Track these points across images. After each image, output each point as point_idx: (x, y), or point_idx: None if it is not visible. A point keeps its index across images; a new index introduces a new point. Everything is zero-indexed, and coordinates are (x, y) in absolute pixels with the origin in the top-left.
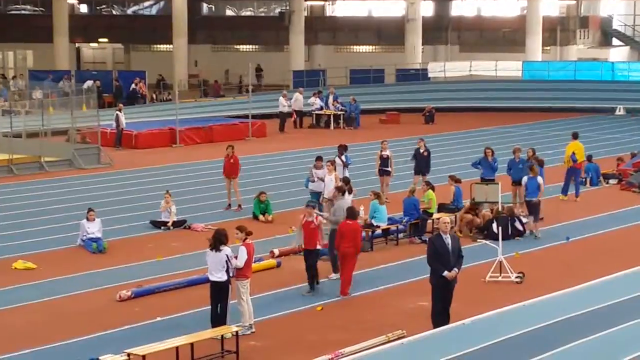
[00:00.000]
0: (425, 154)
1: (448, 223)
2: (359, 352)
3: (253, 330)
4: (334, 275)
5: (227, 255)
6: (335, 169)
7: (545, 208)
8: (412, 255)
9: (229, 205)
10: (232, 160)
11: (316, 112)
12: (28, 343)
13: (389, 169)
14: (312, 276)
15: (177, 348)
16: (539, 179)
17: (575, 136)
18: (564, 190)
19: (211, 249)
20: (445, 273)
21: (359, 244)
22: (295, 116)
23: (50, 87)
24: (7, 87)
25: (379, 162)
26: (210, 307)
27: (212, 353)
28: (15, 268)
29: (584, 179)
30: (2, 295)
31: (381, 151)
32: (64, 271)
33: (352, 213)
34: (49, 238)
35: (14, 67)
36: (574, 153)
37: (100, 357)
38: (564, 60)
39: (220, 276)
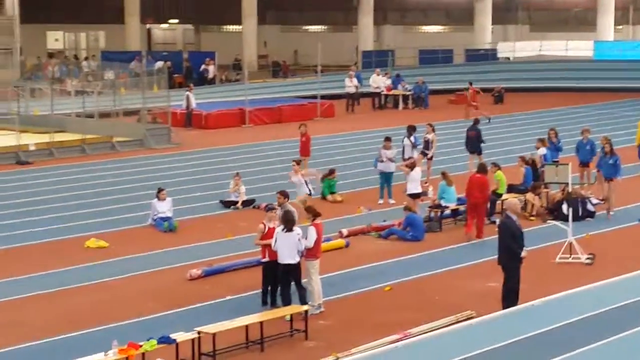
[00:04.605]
0: (473, 134)
1: (518, 204)
2: (428, 332)
3: (322, 309)
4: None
5: (298, 235)
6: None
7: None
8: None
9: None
10: (304, 139)
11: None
12: (100, 320)
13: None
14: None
15: (246, 327)
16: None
17: None
18: None
19: (284, 231)
20: (523, 253)
21: (487, 194)
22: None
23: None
24: (80, 67)
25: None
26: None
27: (281, 332)
28: (88, 247)
29: None
30: (75, 273)
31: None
32: (135, 250)
33: (482, 168)
34: (120, 217)
35: (86, 48)
36: None
37: (171, 335)
38: (636, 40)
39: (292, 259)
